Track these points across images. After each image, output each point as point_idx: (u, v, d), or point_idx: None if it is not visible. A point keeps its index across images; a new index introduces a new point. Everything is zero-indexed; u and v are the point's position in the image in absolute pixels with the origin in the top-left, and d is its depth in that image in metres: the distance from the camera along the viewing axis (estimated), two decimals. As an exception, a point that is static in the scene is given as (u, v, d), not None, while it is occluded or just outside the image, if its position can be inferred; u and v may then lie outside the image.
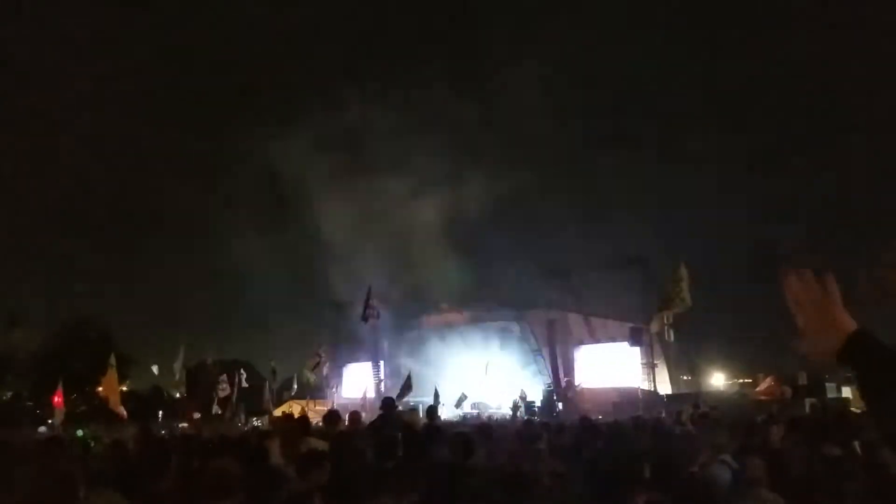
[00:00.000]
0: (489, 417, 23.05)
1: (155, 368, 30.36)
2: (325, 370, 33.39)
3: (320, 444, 6.50)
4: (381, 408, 8.73)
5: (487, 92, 57.06)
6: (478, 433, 7.84)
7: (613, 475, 4.47)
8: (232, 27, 64.20)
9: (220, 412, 30.38)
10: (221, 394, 30.71)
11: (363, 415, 10.90)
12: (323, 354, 33.53)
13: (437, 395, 25.36)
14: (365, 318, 27.87)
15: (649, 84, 66.05)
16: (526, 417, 22.64)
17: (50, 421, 23.55)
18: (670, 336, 27.96)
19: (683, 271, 25.68)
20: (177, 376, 29.72)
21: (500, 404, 27.31)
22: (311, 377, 33.58)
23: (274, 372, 35.31)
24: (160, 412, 34.44)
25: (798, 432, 7.23)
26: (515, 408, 25.01)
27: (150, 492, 4.53)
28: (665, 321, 27.77)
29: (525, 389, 27.44)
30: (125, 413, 23.53)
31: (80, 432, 18.52)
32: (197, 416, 29.00)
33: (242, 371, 32.45)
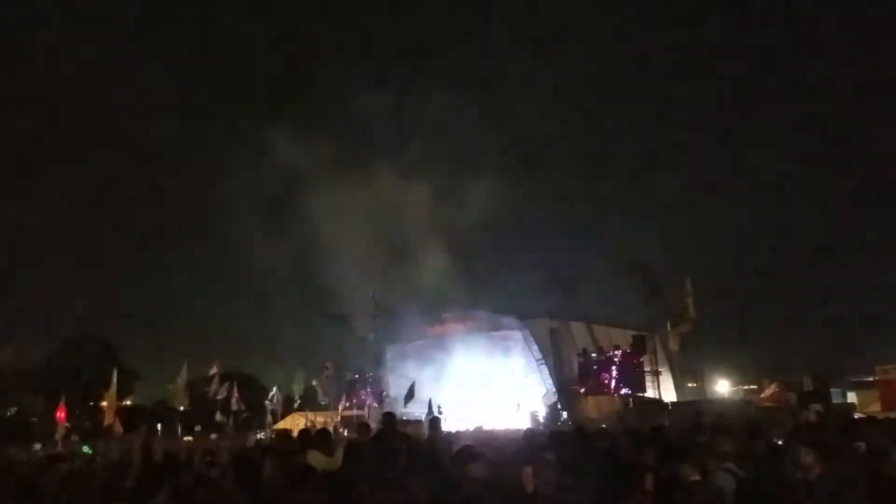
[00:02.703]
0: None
1: (181, 378, 30.19)
2: (330, 382, 33.38)
3: (321, 459, 6.47)
4: (381, 421, 8.72)
5: (493, 101, 57.33)
6: (481, 444, 7.79)
7: (616, 485, 4.45)
8: (248, 27, 64.58)
9: (223, 424, 30.30)
10: (234, 406, 30.68)
11: (371, 426, 10.87)
12: (329, 366, 33.52)
13: (430, 406, 25.35)
14: (369, 332, 28.01)
15: (656, 92, 66.28)
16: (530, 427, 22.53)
17: (57, 438, 23.49)
18: (675, 345, 27.92)
19: (689, 286, 25.90)
20: (180, 390, 29.65)
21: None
22: (319, 389, 33.55)
23: (279, 386, 35.26)
24: (163, 426, 34.35)
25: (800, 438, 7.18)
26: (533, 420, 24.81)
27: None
28: (670, 328, 27.78)
29: (532, 401, 27.39)
30: (121, 429, 23.47)
31: (85, 448, 18.46)
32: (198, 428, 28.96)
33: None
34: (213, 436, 27.89)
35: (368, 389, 32.92)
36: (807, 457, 4.61)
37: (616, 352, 27.71)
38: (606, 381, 27.51)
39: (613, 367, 27.51)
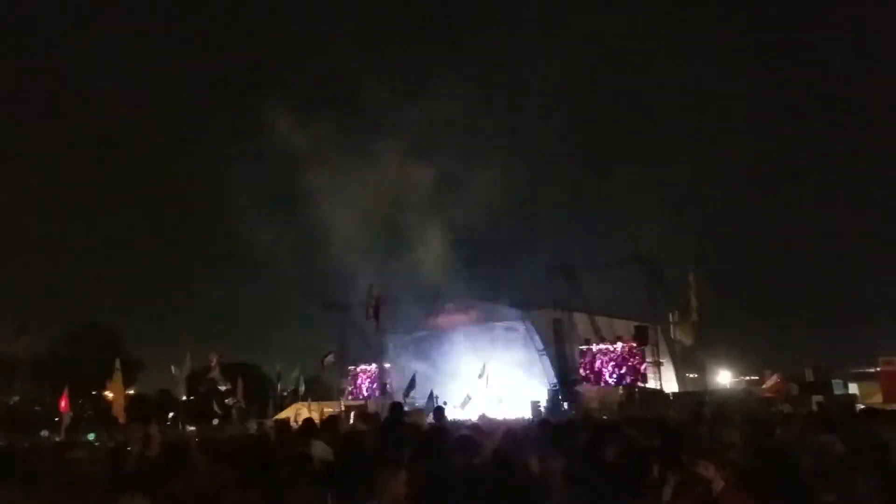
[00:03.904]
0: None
1: (174, 369, 30.49)
2: (332, 372, 33.49)
3: (324, 449, 6.48)
4: (388, 411, 8.72)
5: (497, 88, 57.12)
6: (483, 434, 7.81)
7: (621, 474, 4.45)
8: (256, 15, 64.25)
9: (227, 414, 30.44)
10: (230, 401, 30.84)
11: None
12: (331, 356, 33.58)
13: (431, 396, 25.46)
14: (368, 316, 28.06)
15: (660, 85, 66.07)
16: (532, 418, 22.61)
17: (62, 426, 23.57)
18: (677, 334, 27.91)
19: (691, 279, 26.01)
20: (181, 381, 29.76)
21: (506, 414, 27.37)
22: (322, 378, 33.71)
23: (279, 375, 35.35)
24: (169, 415, 34.48)
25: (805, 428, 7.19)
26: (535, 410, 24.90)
27: (166, 494, 4.50)
28: (672, 319, 27.79)
29: (533, 391, 27.46)
30: (122, 418, 23.59)
31: (90, 436, 18.56)
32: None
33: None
34: (215, 421, 28.01)
35: (370, 380, 33.00)
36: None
37: (618, 344, 27.69)
38: (608, 372, 27.55)
39: (615, 358, 27.53)
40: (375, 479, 4.01)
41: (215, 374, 31.52)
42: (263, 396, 34.74)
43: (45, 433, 22.33)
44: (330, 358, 33.43)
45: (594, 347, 28.15)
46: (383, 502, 3.86)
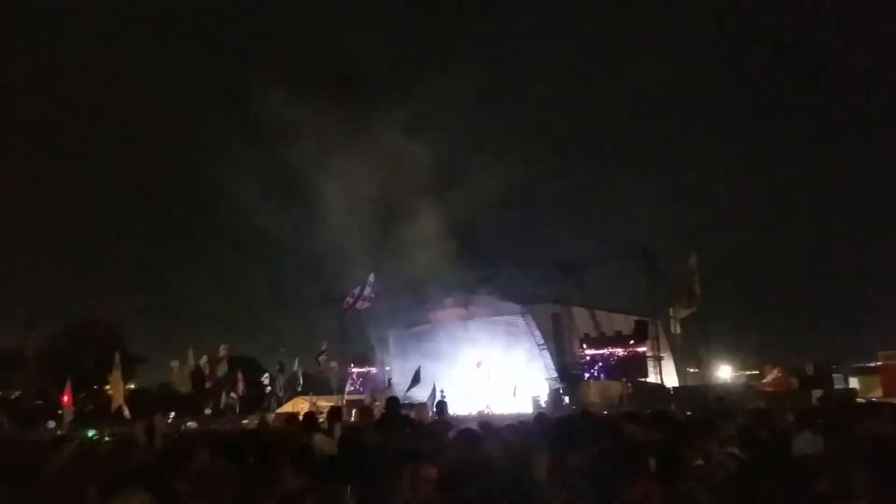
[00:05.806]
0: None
1: (175, 364, 30.63)
2: (331, 366, 33.50)
3: (326, 442, 6.50)
4: (385, 407, 8.74)
5: (496, 80, 56.98)
6: (484, 428, 7.83)
7: (619, 468, 4.46)
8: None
9: (228, 408, 30.51)
10: (233, 394, 30.94)
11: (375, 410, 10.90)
12: (325, 350, 33.61)
13: (434, 390, 25.51)
14: (346, 307, 27.89)
15: (659, 78, 65.97)
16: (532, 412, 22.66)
17: (59, 412, 23.55)
18: (676, 328, 27.92)
19: (694, 262, 25.57)
20: (185, 375, 29.80)
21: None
22: (322, 372, 33.73)
23: (282, 368, 35.38)
24: (172, 411, 34.52)
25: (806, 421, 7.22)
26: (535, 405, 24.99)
27: (170, 490, 4.50)
28: (672, 314, 27.76)
29: (533, 386, 27.54)
30: (127, 412, 23.60)
31: (90, 432, 18.56)
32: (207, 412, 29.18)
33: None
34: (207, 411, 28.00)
35: (369, 375, 33.05)
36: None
37: (618, 346, 27.68)
38: (608, 367, 27.58)
39: (615, 353, 27.54)
40: (401, 473, 4.00)
41: (222, 366, 31.58)
42: (261, 390, 34.76)
43: (51, 424, 22.32)
44: (329, 354, 33.45)
45: (594, 341, 28.18)
46: (408, 496, 3.86)
